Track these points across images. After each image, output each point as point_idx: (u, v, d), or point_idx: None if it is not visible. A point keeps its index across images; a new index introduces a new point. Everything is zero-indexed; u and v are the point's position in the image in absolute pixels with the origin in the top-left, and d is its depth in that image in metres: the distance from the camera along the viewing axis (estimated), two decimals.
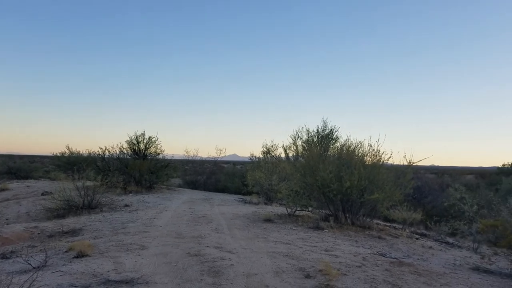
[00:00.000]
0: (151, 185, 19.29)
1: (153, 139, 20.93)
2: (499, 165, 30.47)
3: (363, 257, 6.86)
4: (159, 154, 21.05)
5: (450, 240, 10.53)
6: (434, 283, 5.55)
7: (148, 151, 20.85)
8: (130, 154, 20.67)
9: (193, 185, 25.03)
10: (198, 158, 27.46)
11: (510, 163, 28.84)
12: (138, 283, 4.88)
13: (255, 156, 22.76)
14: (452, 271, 6.58)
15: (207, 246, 7.12)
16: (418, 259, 7.45)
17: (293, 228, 9.78)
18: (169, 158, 22.29)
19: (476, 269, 7.04)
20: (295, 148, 18.34)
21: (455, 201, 11.94)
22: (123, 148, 20.55)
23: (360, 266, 6.15)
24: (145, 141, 20.80)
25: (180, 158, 27.89)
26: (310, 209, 12.02)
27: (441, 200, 15.84)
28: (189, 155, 26.88)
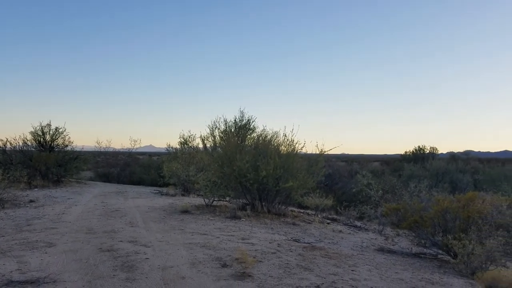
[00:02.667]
0: (59, 178, 18.20)
1: (60, 130, 19.72)
2: (402, 152, 33.02)
3: (278, 244, 7.07)
4: (67, 145, 19.94)
5: (358, 223, 11.24)
6: (343, 265, 5.89)
7: (55, 142, 19.63)
8: (35, 146, 19.34)
9: (105, 178, 24.08)
10: (111, 150, 26.39)
11: (411, 151, 31.34)
12: (44, 283, 4.59)
13: (172, 147, 22.41)
14: (359, 253, 7.04)
15: (121, 241, 6.88)
16: (329, 243, 7.85)
17: (211, 218, 9.79)
18: (78, 149, 21.13)
19: (381, 250, 7.60)
20: (212, 138, 18.29)
21: (363, 187, 12.74)
22: (27, 140, 19.22)
23: (275, 253, 6.33)
24: (51, 132, 19.54)
25: (91, 150, 26.59)
26: (227, 199, 12.11)
27: (350, 186, 16.80)
28: (101, 147, 25.75)
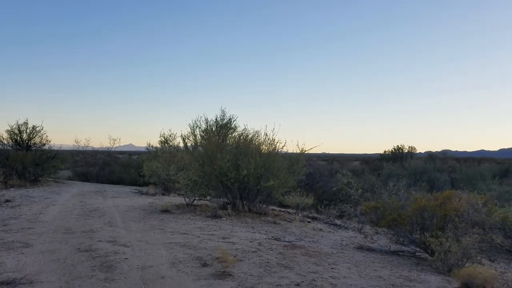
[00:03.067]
0: (36, 178, 17.86)
1: (37, 129, 19.40)
2: (381, 152, 33.42)
3: (259, 243, 7.08)
4: (44, 144, 19.62)
5: (338, 222, 11.34)
6: (323, 263, 5.93)
7: (32, 141, 19.31)
8: (12, 145, 19.01)
9: (84, 177, 23.70)
10: (90, 149, 25.98)
11: (390, 150, 31.75)
12: (21, 283, 4.50)
13: (152, 146, 22.17)
14: (339, 251, 7.10)
15: (99, 241, 6.79)
16: (309, 241, 7.90)
17: (191, 217, 9.74)
18: (56, 148, 20.77)
19: (360, 248, 7.69)
20: (193, 137, 18.18)
21: (343, 185, 12.88)
22: (3, 139, 18.91)
23: (255, 251, 6.33)
24: (28, 130, 19.20)
25: (69, 149, 26.13)
26: (208, 198, 12.06)
27: (331, 185, 16.91)
28: (79, 146, 25.34)
